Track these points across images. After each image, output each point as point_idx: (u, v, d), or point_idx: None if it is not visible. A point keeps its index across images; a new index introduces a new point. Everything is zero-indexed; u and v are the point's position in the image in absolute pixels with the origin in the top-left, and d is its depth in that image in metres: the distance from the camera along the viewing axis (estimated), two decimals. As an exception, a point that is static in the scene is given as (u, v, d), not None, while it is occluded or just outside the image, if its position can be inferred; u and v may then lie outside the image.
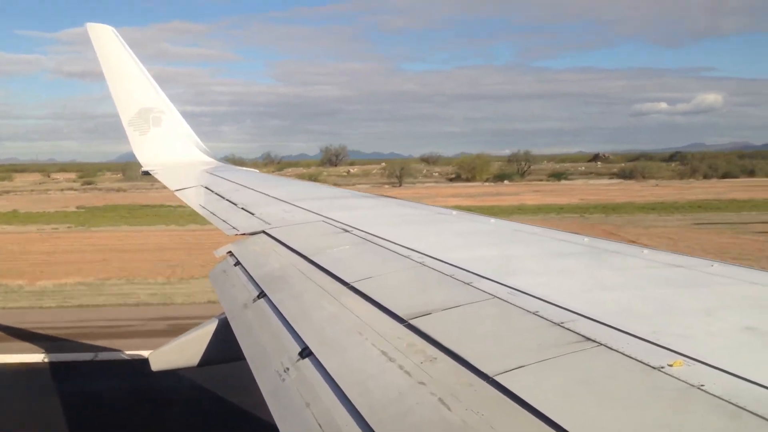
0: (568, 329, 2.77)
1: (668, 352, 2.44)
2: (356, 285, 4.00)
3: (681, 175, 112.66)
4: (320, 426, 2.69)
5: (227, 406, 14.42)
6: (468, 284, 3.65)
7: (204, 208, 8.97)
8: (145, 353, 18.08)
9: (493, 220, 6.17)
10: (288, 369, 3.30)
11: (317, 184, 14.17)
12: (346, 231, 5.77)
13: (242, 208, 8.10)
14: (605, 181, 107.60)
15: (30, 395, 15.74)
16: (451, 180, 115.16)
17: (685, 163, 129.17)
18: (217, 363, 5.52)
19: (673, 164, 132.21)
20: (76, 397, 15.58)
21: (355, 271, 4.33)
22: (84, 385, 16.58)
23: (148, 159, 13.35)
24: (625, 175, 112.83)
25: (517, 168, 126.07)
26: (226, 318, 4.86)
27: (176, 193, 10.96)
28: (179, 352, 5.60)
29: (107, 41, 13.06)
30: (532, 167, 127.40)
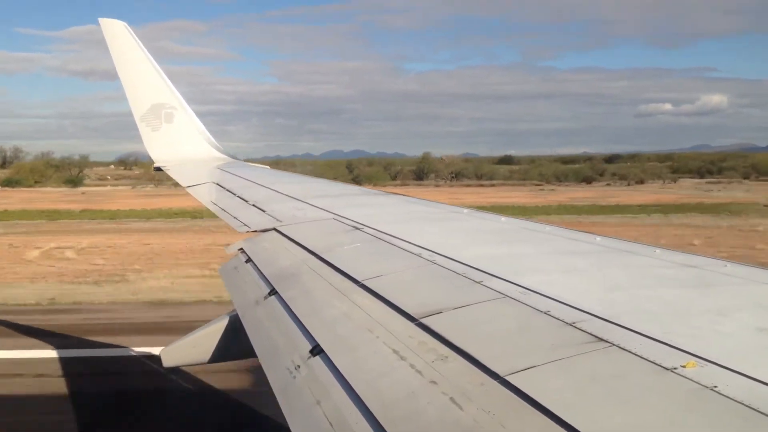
0: (579, 329, 2.76)
1: (681, 352, 2.43)
2: (367, 283, 4.00)
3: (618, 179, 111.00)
4: (331, 424, 2.69)
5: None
6: (479, 283, 3.64)
7: (215, 204, 8.99)
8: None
9: (504, 218, 6.15)
10: (299, 366, 3.31)
11: (329, 180, 14.15)
12: (357, 229, 5.77)
13: (253, 205, 8.11)
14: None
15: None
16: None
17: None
18: (228, 360, 5.54)
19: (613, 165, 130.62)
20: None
21: (366, 269, 4.33)
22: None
23: (160, 155, 13.38)
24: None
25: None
26: (237, 315, 4.87)
27: (188, 190, 10.98)
28: (191, 349, 5.62)
29: (120, 36, 13.10)
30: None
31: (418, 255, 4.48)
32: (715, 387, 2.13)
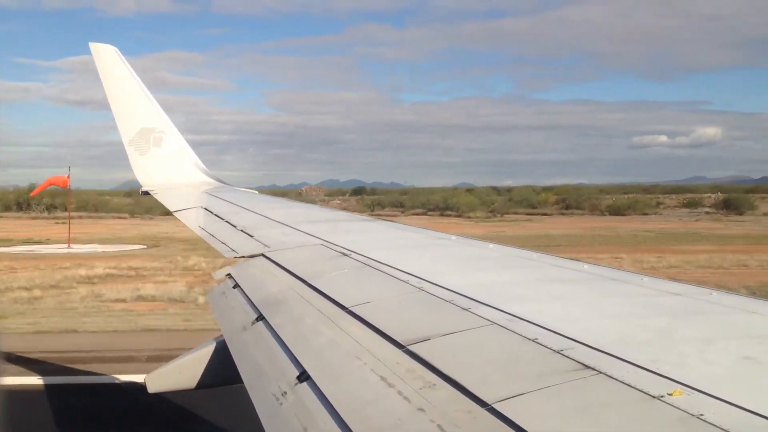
0: (567, 357, 2.77)
1: (668, 380, 2.44)
2: (355, 309, 3.99)
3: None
4: None
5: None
6: (467, 310, 3.65)
7: (203, 229, 8.96)
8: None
9: (491, 245, 6.17)
10: (285, 393, 3.29)
11: (317, 206, 14.16)
12: (345, 255, 5.77)
13: (241, 231, 8.09)
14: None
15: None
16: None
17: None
18: (214, 386, 5.49)
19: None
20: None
21: (354, 295, 4.32)
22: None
23: (148, 179, 13.36)
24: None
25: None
26: (224, 340, 4.85)
27: (176, 214, 10.95)
28: (176, 375, 5.58)
29: (110, 61, 13.13)
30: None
31: (406, 282, 4.49)
32: (702, 415, 2.14)
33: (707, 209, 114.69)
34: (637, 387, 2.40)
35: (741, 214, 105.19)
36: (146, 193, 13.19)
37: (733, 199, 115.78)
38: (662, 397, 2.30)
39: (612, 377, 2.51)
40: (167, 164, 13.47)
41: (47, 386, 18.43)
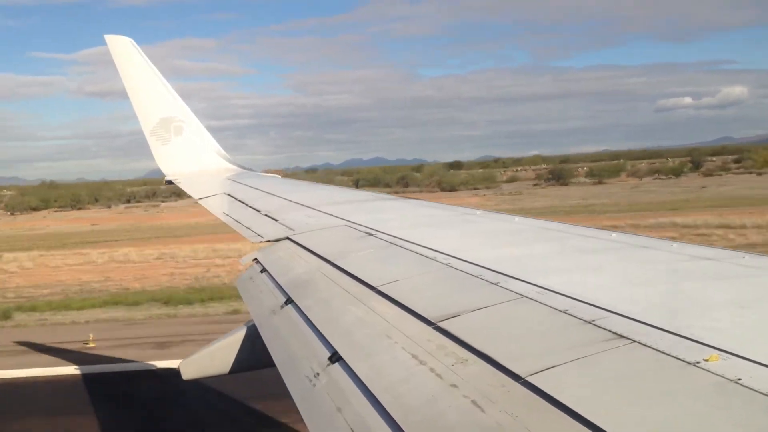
0: (599, 327, 2.74)
1: (703, 346, 2.41)
2: (383, 288, 3.99)
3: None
4: (352, 431, 2.68)
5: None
6: (496, 284, 3.63)
7: (228, 215, 9.02)
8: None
9: (517, 218, 6.13)
10: (318, 374, 3.30)
11: (340, 187, 14.17)
12: (371, 234, 5.76)
13: (266, 215, 8.13)
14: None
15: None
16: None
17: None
18: (247, 370, 5.54)
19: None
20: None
21: (381, 274, 4.32)
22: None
23: (171, 168, 13.45)
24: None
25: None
26: (254, 325, 4.88)
27: (200, 202, 11.03)
28: (209, 361, 5.63)
29: (126, 52, 13.19)
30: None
31: (433, 259, 4.47)
32: (739, 379, 2.11)
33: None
34: (672, 354, 2.37)
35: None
36: (170, 182, 13.30)
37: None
38: (698, 363, 2.27)
39: (646, 345, 2.49)
40: (189, 152, 13.55)
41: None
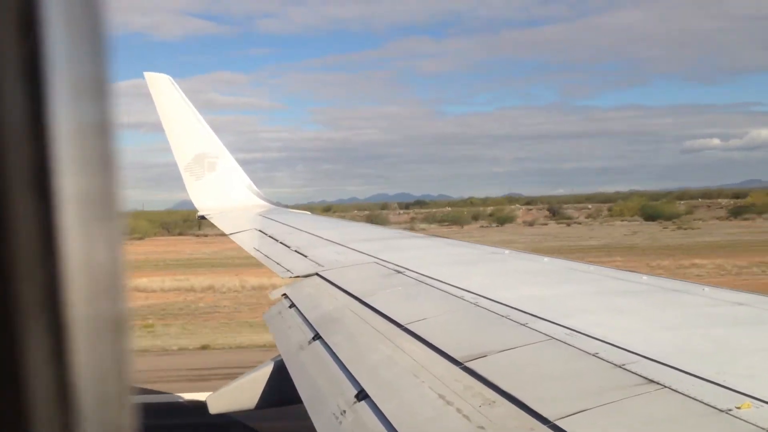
0: (629, 371, 2.71)
1: (735, 393, 2.37)
2: (410, 327, 3.99)
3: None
4: None
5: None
6: (524, 325, 3.61)
7: (258, 251, 9.10)
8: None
9: (546, 258, 6.11)
10: (345, 411, 3.30)
11: (369, 224, 14.23)
12: (399, 272, 5.77)
13: (295, 251, 8.19)
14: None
15: None
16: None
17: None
18: (274, 405, 5.54)
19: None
20: None
21: (409, 312, 4.32)
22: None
23: (204, 203, 13.65)
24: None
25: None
26: (282, 360, 4.90)
27: (231, 237, 11.15)
28: (237, 395, 5.65)
29: (164, 89, 13.51)
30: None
31: (461, 297, 4.47)
32: None
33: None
34: (704, 401, 2.34)
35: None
36: (202, 217, 13.48)
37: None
38: (730, 410, 2.24)
39: (677, 391, 2.45)
40: (221, 188, 13.76)
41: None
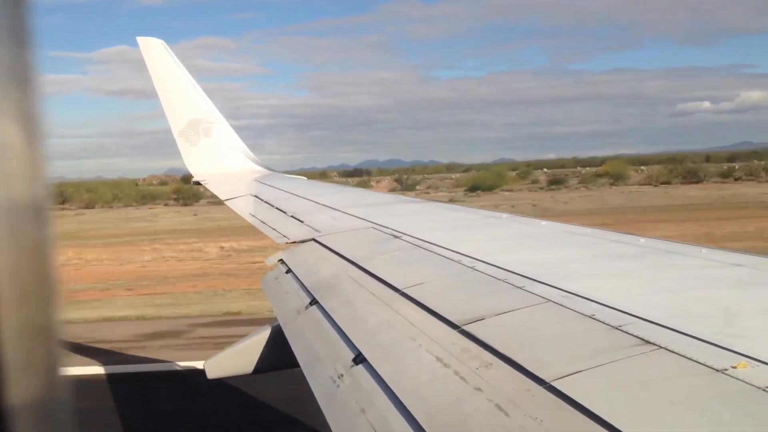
0: (626, 332, 2.72)
1: (731, 353, 2.38)
2: (408, 291, 3.99)
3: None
4: None
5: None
6: (521, 288, 3.61)
7: (254, 216, 9.08)
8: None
9: (544, 222, 6.10)
10: (342, 375, 3.31)
11: (366, 190, 14.20)
12: (396, 237, 5.77)
13: (292, 217, 8.17)
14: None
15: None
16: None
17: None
18: (271, 370, 5.58)
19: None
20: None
21: (406, 277, 4.32)
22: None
23: (199, 169, 13.59)
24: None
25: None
26: (279, 326, 4.91)
27: (227, 203, 11.12)
28: (234, 360, 5.68)
29: (158, 54, 13.35)
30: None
31: (458, 262, 4.47)
32: None
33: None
34: (700, 361, 2.34)
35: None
36: (198, 182, 13.44)
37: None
38: (726, 370, 2.24)
39: (673, 352, 2.46)
40: (217, 154, 13.68)
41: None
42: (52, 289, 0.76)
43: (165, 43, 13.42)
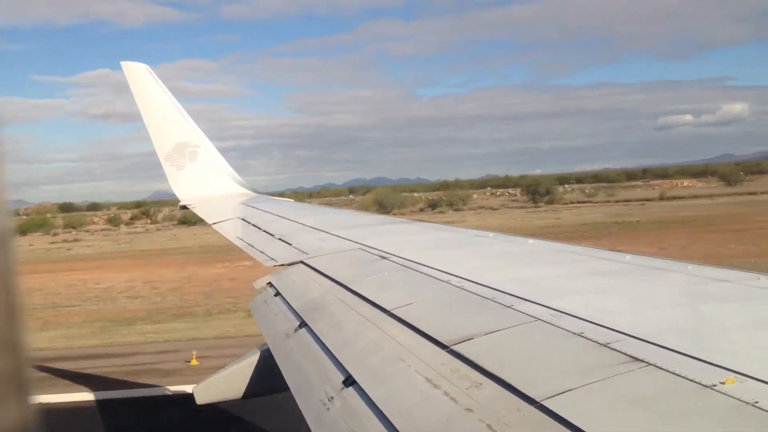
0: (615, 350, 2.73)
1: (720, 369, 2.39)
2: (396, 312, 3.99)
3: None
4: None
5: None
6: (509, 307, 3.62)
7: (242, 240, 9.05)
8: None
9: (531, 240, 6.12)
10: (332, 398, 3.30)
11: (352, 211, 14.20)
12: (384, 258, 5.76)
13: (279, 239, 8.15)
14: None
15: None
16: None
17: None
18: (261, 395, 5.53)
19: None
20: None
21: (395, 298, 4.32)
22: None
23: (186, 193, 13.54)
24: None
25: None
26: (268, 349, 4.88)
27: (214, 226, 11.08)
28: (223, 385, 5.63)
29: (142, 78, 13.35)
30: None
31: (447, 282, 4.47)
32: (756, 402, 2.09)
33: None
34: (689, 377, 2.36)
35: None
36: (184, 207, 13.38)
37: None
38: (715, 386, 2.26)
39: (662, 368, 2.47)
40: (203, 177, 13.65)
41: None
42: (18, 315, 0.75)
43: (149, 68, 13.42)
